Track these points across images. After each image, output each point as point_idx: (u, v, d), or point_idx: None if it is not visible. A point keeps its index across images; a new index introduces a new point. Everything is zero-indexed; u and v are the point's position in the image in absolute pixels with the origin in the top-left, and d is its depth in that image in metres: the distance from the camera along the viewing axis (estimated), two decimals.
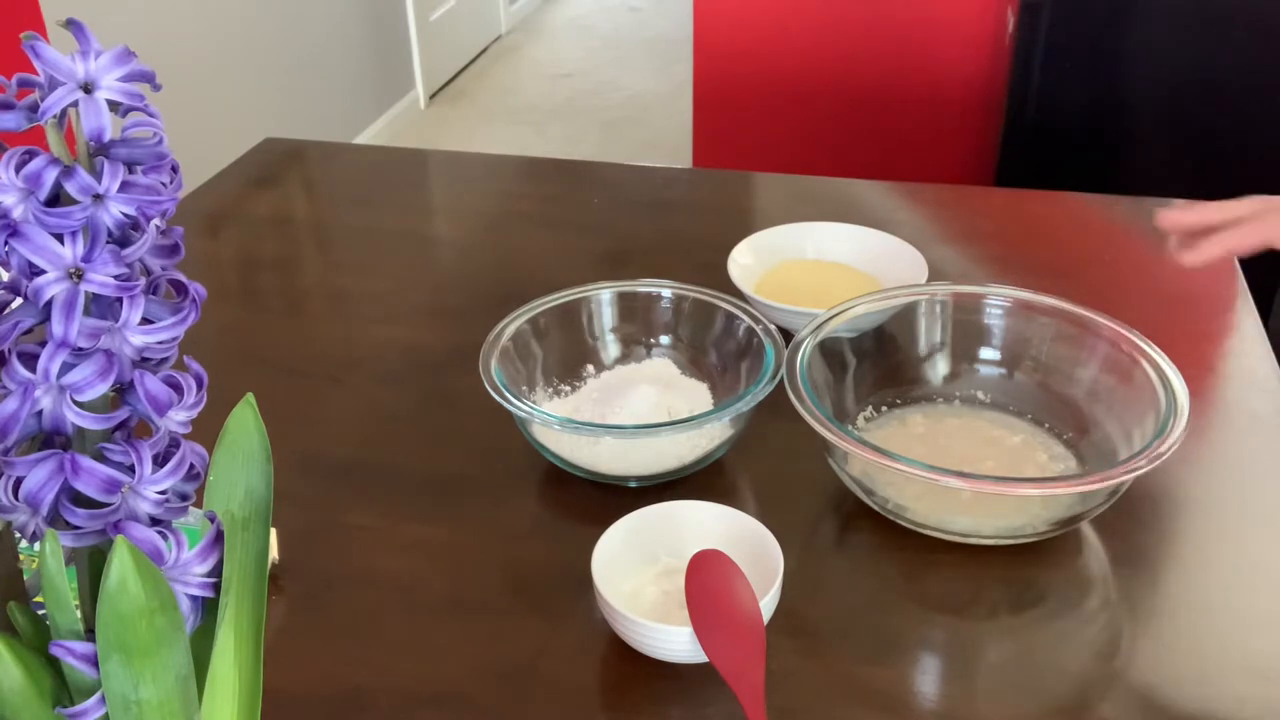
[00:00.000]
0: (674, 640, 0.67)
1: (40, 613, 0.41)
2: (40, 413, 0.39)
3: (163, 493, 0.40)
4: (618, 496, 0.82)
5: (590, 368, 0.93)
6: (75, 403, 0.38)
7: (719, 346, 0.91)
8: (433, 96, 3.92)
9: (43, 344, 0.38)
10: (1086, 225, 1.22)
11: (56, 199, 0.37)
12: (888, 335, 0.91)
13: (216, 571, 0.43)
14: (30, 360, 0.38)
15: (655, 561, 0.74)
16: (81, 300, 0.37)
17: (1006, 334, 0.89)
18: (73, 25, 0.38)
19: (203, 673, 0.43)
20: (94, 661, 0.39)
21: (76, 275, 0.37)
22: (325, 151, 1.50)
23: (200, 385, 0.42)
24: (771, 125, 2.41)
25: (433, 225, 1.29)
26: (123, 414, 0.40)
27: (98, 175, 0.37)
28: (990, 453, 0.85)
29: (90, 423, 0.39)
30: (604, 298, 0.93)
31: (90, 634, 0.40)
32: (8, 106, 0.38)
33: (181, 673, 0.41)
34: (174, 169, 0.40)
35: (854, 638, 0.72)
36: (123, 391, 0.40)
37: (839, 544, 0.80)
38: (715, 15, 2.34)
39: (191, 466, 0.42)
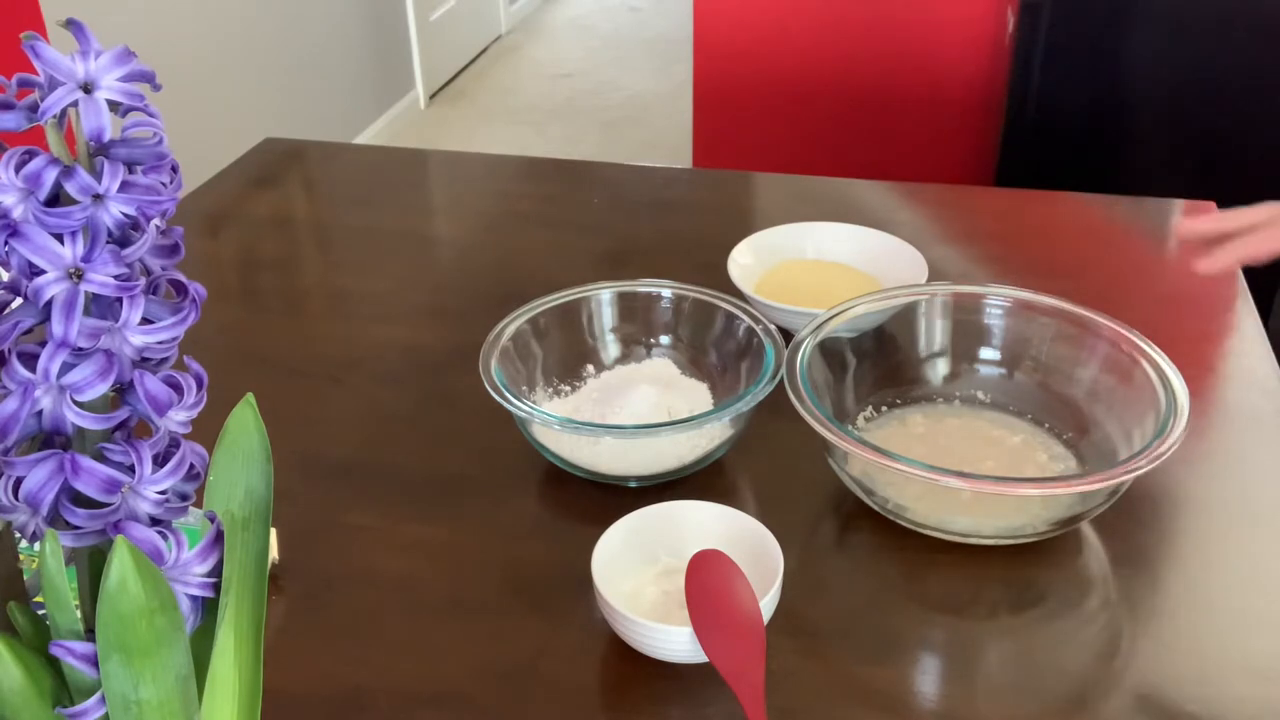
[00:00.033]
0: (674, 640, 0.67)
1: (40, 613, 0.41)
2: (40, 413, 0.39)
3: (163, 493, 0.40)
4: (618, 496, 0.82)
5: (590, 368, 0.93)
6: (75, 403, 0.38)
7: (719, 346, 0.91)
8: (433, 96, 3.92)
9: (43, 344, 0.38)
10: (1086, 225, 1.22)
11: (56, 199, 0.37)
12: (888, 335, 0.91)
13: (216, 571, 0.43)
14: (30, 360, 0.38)
15: (655, 561, 0.74)
16: (81, 300, 0.37)
17: (1006, 334, 0.89)
18: (73, 25, 0.38)
19: (203, 673, 0.43)
20: (94, 661, 0.39)
21: (76, 275, 0.37)
22: (325, 151, 1.50)
23: (200, 385, 0.42)
24: (771, 125, 2.41)
25: (433, 225, 1.29)
26: (123, 414, 0.40)
27: (98, 175, 0.37)
28: (990, 453, 0.85)
29: (90, 423, 0.39)
30: (604, 298, 0.93)
31: (90, 634, 0.40)
32: (8, 106, 0.38)
33: (181, 673, 0.41)
34: (174, 169, 0.40)
35: (854, 638, 0.72)
36: (123, 391, 0.40)
37: (839, 544, 0.80)
38: (715, 15, 2.34)
39: (191, 466, 0.42)
